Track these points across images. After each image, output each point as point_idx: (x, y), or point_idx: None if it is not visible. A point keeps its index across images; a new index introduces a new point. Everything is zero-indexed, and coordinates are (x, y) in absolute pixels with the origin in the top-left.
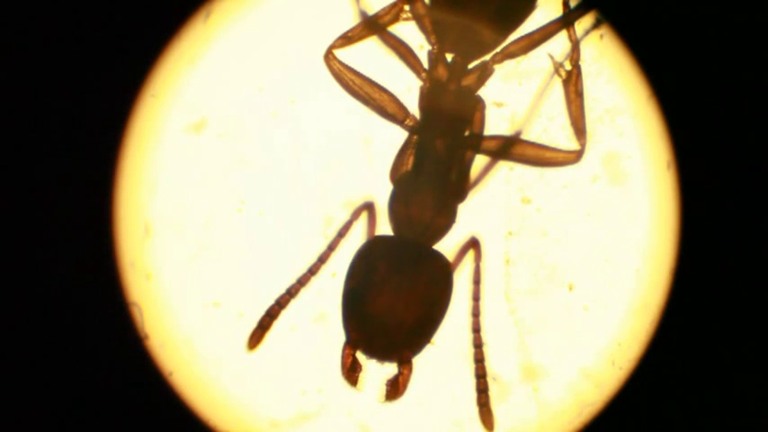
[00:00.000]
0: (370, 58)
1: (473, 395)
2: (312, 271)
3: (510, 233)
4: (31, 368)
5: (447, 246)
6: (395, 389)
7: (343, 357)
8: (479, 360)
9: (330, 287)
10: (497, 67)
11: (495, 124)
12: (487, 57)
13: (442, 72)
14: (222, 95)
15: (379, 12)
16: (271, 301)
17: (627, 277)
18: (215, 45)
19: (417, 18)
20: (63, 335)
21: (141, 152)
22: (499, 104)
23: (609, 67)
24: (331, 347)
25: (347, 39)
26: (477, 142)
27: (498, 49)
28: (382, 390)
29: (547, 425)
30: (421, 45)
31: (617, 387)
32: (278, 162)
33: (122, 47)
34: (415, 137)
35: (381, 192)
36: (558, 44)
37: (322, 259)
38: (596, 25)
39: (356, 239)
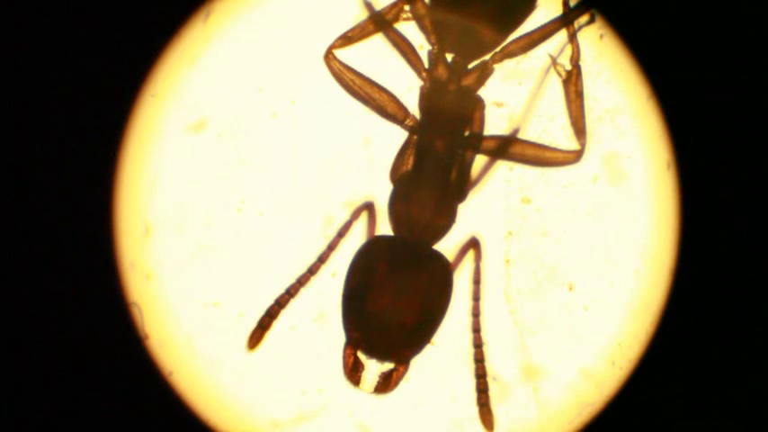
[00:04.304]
0: (370, 58)
1: (473, 395)
2: (312, 271)
3: (510, 233)
4: (31, 368)
5: (447, 246)
6: (386, 383)
7: (345, 357)
8: (479, 360)
9: (330, 287)
10: (497, 66)
11: (495, 124)
12: (487, 56)
13: (442, 72)
14: (222, 95)
15: (380, 12)
16: (271, 301)
17: (627, 277)
18: (215, 45)
19: (417, 18)
20: (63, 335)
21: (141, 152)
22: (499, 104)
23: (609, 67)
24: (331, 347)
25: (347, 39)
26: (477, 142)
27: (498, 49)
28: (374, 382)
29: (547, 425)
30: (421, 45)
31: (617, 387)
32: (278, 162)
33: (122, 47)
34: (415, 137)
35: (381, 192)
36: (558, 44)
37: (322, 259)
38: (590, 21)
39: (356, 239)
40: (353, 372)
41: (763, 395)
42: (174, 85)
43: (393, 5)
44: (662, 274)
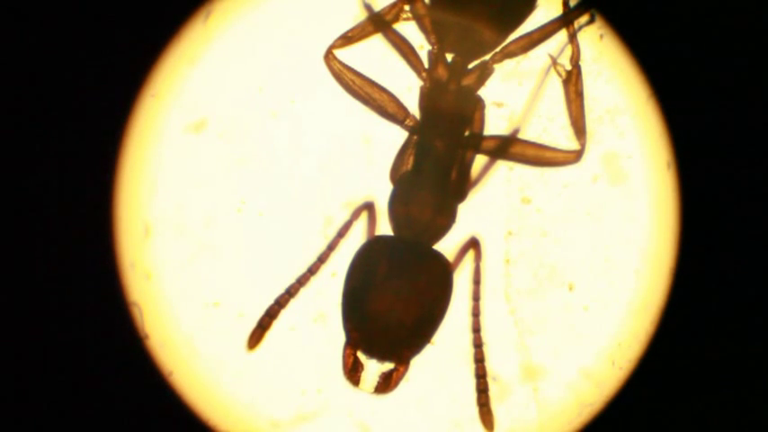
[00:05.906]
0: (370, 58)
1: (473, 395)
2: (312, 271)
3: (510, 233)
4: (32, 368)
5: (447, 246)
6: (387, 383)
7: (345, 358)
8: (479, 360)
9: (330, 287)
10: (497, 66)
11: (495, 124)
12: (487, 56)
13: (442, 72)
14: (222, 95)
15: (380, 12)
16: (270, 301)
17: (627, 277)
18: (215, 45)
19: (417, 18)
20: (63, 335)
21: (141, 152)
22: (499, 104)
23: (609, 67)
24: (331, 347)
25: (347, 39)
26: (477, 142)
27: (498, 49)
28: (374, 382)
29: (547, 425)
30: (421, 45)
31: (617, 387)
32: (278, 162)
33: (122, 47)
34: (415, 137)
35: (381, 192)
36: (558, 44)
37: (322, 259)
38: (590, 21)
39: (356, 239)
40: (353, 372)
41: (763, 395)
42: (174, 85)
43: (393, 5)
44: (662, 274)
